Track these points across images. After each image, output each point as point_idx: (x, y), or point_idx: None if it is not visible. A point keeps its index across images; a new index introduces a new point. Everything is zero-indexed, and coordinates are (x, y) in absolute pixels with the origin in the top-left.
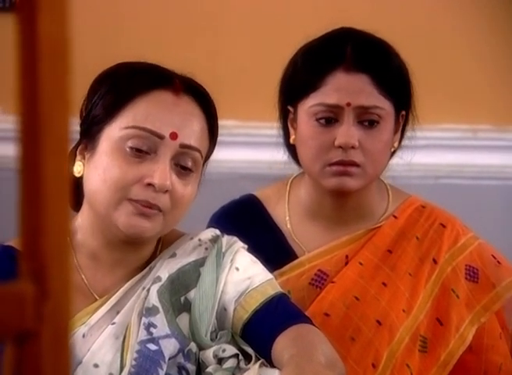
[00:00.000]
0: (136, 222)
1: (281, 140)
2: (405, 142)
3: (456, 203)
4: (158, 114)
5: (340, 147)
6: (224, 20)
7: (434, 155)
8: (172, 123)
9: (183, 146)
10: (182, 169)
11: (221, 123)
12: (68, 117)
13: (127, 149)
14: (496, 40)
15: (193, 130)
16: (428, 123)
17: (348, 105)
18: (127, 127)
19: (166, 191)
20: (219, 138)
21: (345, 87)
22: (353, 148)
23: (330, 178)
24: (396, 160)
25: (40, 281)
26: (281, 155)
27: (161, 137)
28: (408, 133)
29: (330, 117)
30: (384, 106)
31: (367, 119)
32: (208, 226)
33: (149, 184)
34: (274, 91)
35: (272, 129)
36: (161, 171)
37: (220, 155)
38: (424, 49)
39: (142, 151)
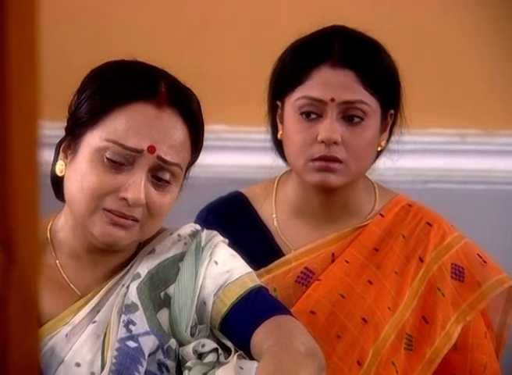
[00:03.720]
0: (111, 231)
1: (269, 140)
2: (393, 146)
3: (445, 207)
4: (138, 128)
5: (323, 142)
6: (213, 25)
7: (422, 159)
8: (150, 136)
9: (161, 159)
10: (159, 181)
11: (209, 127)
12: (37, 87)
13: (105, 160)
14: (485, 45)
15: (172, 145)
16: (416, 127)
17: (332, 100)
18: (107, 140)
19: (140, 205)
20: (208, 143)
21: (330, 82)
22: (335, 143)
23: (313, 173)
24: (384, 164)
25: (7, 249)
26: (270, 160)
27: (139, 152)
28: (396, 137)
29: (314, 112)
30: (369, 102)
31: (351, 115)
32: (195, 223)
33: (123, 198)
34: (263, 96)
35: (260, 133)
36: (135, 185)
37: (209, 159)
38: (413, 53)
39: (119, 162)
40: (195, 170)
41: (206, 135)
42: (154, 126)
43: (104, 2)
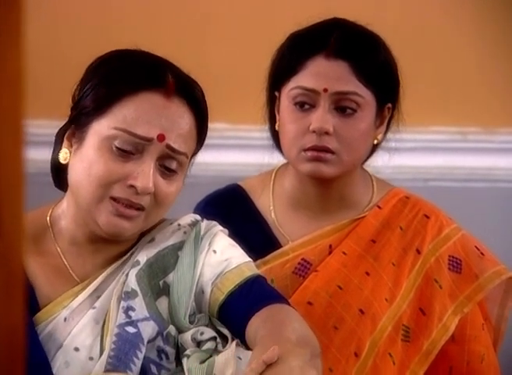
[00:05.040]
0: (116, 222)
1: (269, 136)
2: (394, 144)
3: (446, 205)
4: (148, 117)
5: (315, 132)
6: (214, 24)
7: (423, 157)
8: (160, 125)
9: (169, 148)
10: (166, 170)
11: (211, 125)
12: (22, 57)
13: (114, 148)
14: (485, 44)
15: (180, 134)
16: (417, 125)
17: (325, 90)
18: (116, 128)
19: (148, 193)
20: (210, 141)
21: (323, 73)
22: (327, 133)
23: (305, 163)
24: (385, 162)
25: None
26: (271, 158)
27: (149, 140)
28: (397, 135)
29: (307, 102)
30: (363, 94)
31: (344, 106)
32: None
33: (132, 186)
34: (264, 94)
35: (261, 132)
36: (144, 174)
37: (211, 157)
38: (413, 52)
39: (128, 151)
40: (196, 168)
41: (208, 133)
42: (163, 115)
43: (103, 2)
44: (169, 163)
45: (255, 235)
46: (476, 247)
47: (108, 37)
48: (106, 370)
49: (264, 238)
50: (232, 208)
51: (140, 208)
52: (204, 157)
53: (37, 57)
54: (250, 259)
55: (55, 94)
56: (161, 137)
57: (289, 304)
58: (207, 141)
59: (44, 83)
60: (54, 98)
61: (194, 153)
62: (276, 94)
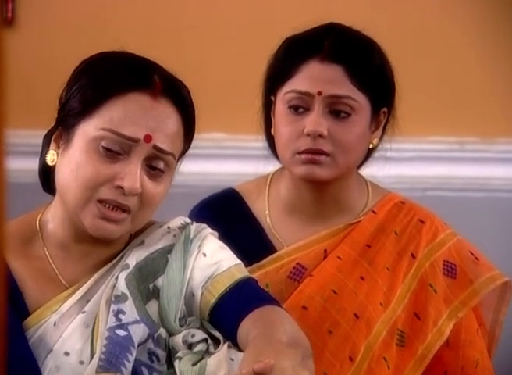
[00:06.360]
0: (102, 225)
1: (266, 144)
2: (393, 154)
3: (444, 215)
4: (135, 117)
5: (309, 135)
6: (212, 34)
7: (421, 167)
8: (147, 125)
9: (157, 149)
10: (154, 170)
11: (209, 135)
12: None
13: (101, 149)
14: (484, 52)
15: (167, 134)
16: (415, 135)
17: (319, 93)
18: (103, 129)
19: (136, 194)
20: (208, 151)
21: (317, 76)
22: (321, 136)
23: (299, 166)
24: (383, 172)
25: None
26: (269, 168)
27: (135, 141)
28: (395, 145)
29: (301, 105)
30: (357, 98)
31: (338, 110)
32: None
33: (119, 186)
34: (260, 99)
35: (259, 142)
36: (131, 174)
37: (209, 167)
38: (412, 61)
39: (115, 151)
40: (195, 178)
41: (206, 143)
42: (150, 115)
43: (99, 8)
44: (156, 163)
45: (250, 239)
46: (471, 252)
47: (103, 43)
48: (97, 373)
49: (259, 243)
50: (227, 212)
51: (127, 211)
52: (202, 167)
53: (35, 67)
54: (240, 261)
55: (54, 104)
56: (147, 138)
57: (280, 306)
58: (205, 151)
59: (41, 93)
60: (52, 109)
61: (182, 154)
62: (272, 98)
